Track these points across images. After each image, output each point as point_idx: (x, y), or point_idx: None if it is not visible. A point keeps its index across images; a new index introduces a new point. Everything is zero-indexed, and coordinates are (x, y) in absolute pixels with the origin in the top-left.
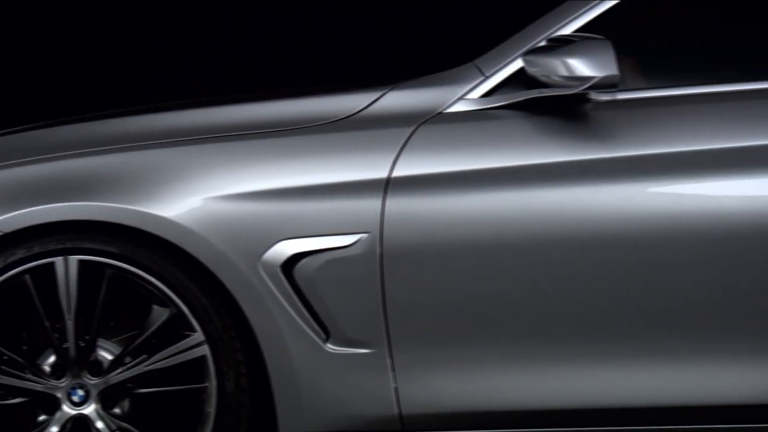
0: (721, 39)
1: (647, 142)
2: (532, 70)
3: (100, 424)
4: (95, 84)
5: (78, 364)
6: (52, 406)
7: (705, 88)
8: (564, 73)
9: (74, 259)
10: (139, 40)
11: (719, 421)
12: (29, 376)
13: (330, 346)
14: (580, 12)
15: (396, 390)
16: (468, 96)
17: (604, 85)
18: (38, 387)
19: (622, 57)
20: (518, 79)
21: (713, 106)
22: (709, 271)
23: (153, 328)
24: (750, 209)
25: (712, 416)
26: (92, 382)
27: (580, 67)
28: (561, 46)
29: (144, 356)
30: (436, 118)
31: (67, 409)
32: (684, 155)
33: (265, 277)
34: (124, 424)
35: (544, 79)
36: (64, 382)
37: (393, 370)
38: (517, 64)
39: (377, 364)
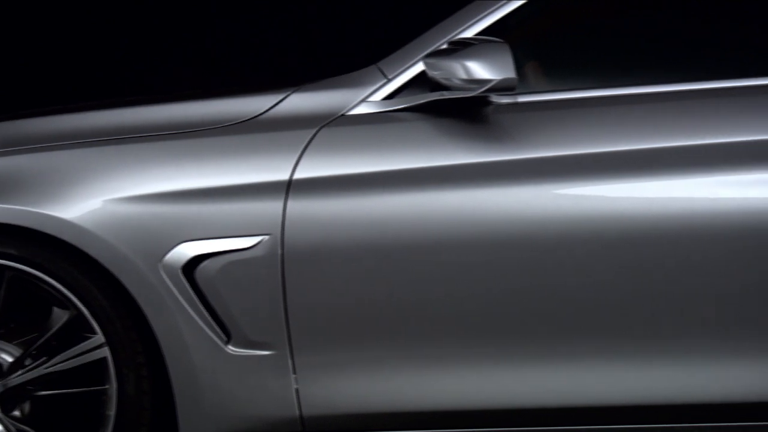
0: (621, 42)
1: (547, 145)
2: (432, 73)
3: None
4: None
5: None
6: None
7: (606, 91)
8: (463, 76)
9: None
10: (101, 35)
11: (617, 421)
12: None
13: (231, 348)
14: (482, 15)
15: (297, 391)
16: (370, 98)
17: (502, 88)
18: None
19: (525, 60)
20: (422, 82)
21: (614, 108)
22: (608, 272)
23: (53, 331)
24: (649, 211)
25: (608, 416)
26: None
27: (478, 70)
28: (461, 49)
29: (44, 358)
30: (338, 120)
31: None
32: (583, 158)
33: (166, 279)
34: (24, 427)
35: (444, 82)
36: None
37: (294, 371)
38: (420, 66)
39: (278, 366)
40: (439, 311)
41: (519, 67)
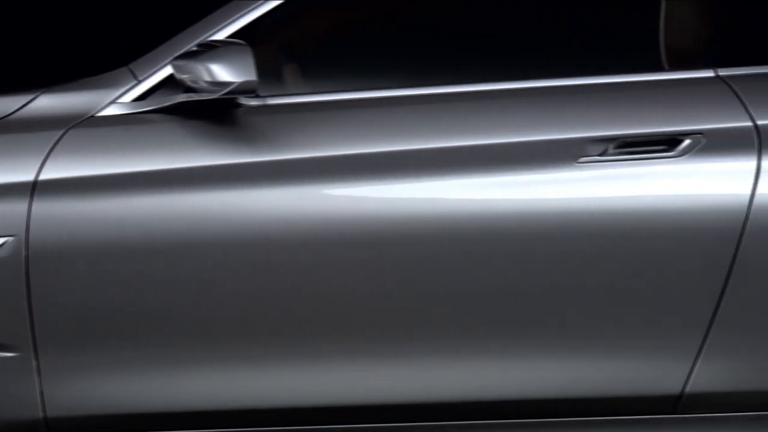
0: (377, 45)
1: (291, 146)
2: (180, 76)
3: None
4: None
5: None
6: None
7: (357, 94)
8: (207, 78)
9: None
10: None
11: (390, 420)
12: None
13: None
14: (235, 17)
15: (41, 394)
16: (120, 100)
17: (243, 90)
18: None
19: (283, 62)
20: (176, 83)
21: (364, 111)
22: (356, 273)
23: None
24: (394, 212)
25: (379, 415)
26: None
27: (221, 72)
28: (206, 51)
29: None
30: (87, 121)
31: None
32: (330, 159)
33: None
34: None
35: (191, 84)
36: None
37: (39, 373)
38: (170, 68)
39: (23, 368)
40: (187, 313)
41: (277, 69)
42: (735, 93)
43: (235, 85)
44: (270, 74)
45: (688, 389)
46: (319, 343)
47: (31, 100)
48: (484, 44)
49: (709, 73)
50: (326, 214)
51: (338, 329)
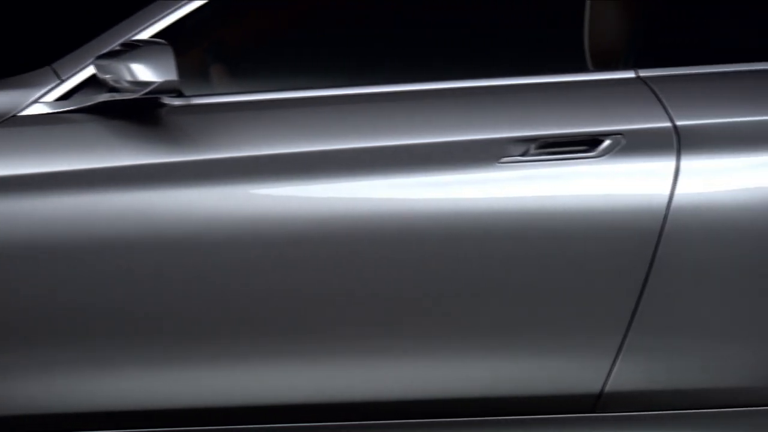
0: (300, 47)
1: (217, 146)
2: (103, 75)
3: None
4: None
5: None
6: None
7: (283, 94)
8: (128, 77)
9: None
10: None
11: (281, 420)
12: None
13: None
14: (159, 17)
15: None
16: (43, 99)
17: (164, 89)
18: None
19: (206, 61)
20: (100, 83)
21: (288, 111)
22: (279, 273)
23: None
24: (317, 212)
25: (275, 415)
26: None
27: (141, 71)
28: (128, 51)
29: None
30: (9, 121)
31: None
32: (253, 159)
33: None
34: None
35: (114, 83)
36: None
37: None
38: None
39: None
40: (107, 312)
41: (204, 69)
42: (655, 94)
43: (155, 84)
44: (197, 74)
45: (607, 388)
46: (231, 343)
47: None
48: (407, 45)
49: (630, 74)
50: (249, 213)
51: (257, 329)
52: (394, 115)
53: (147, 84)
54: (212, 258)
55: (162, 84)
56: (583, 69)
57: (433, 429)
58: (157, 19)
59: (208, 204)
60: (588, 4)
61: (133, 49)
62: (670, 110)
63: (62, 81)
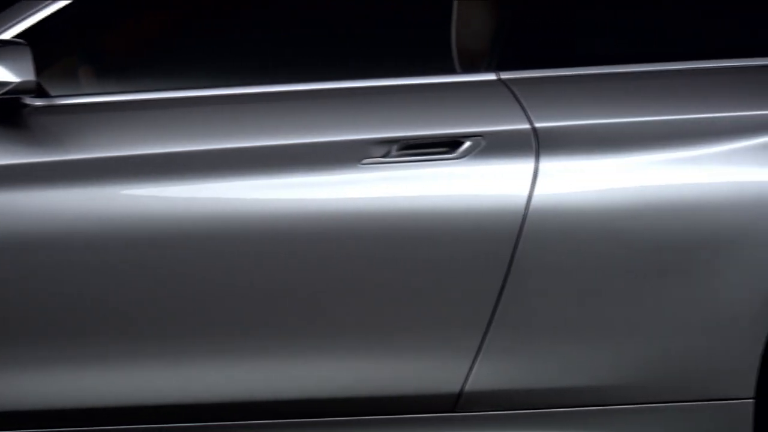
0: (168, 48)
1: (80, 147)
2: None
3: None
4: None
5: None
6: None
7: (148, 95)
8: None
9: None
10: None
11: (188, 419)
12: None
13: None
14: (22, 17)
15: None
16: None
17: (22, 90)
18: None
19: (75, 62)
20: None
21: (153, 112)
22: (144, 273)
23: None
24: (180, 213)
25: (181, 414)
26: None
27: None
28: None
29: None
30: None
31: None
32: (116, 160)
33: None
34: None
35: None
36: None
37: None
38: None
39: None
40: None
41: (72, 69)
42: (515, 96)
43: (12, 85)
44: (65, 76)
45: (467, 388)
46: (102, 344)
47: None
48: (270, 47)
49: (491, 77)
50: (111, 214)
51: (123, 330)
52: (257, 117)
53: (4, 84)
54: (75, 259)
55: (19, 84)
56: (450, 71)
57: (294, 429)
58: (20, 18)
59: (69, 204)
60: (455, 6)
61: None
62: (529, 112)
63: None
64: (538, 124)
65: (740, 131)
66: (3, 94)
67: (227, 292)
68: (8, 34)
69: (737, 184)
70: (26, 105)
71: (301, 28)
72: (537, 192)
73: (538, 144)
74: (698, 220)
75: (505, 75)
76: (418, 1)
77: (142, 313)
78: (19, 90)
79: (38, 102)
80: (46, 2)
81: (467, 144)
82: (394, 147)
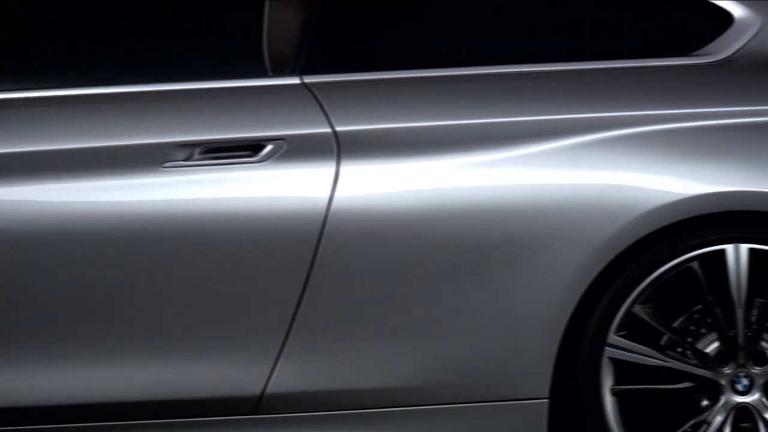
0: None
1: None
2: None
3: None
4: None
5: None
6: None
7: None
8: None
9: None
10: None
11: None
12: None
13: None
14: None
15: None
16: None
17: None
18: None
19: None
20: None
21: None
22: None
23: None
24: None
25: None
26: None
27: None
28: None
29: None
30: None
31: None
32: None
33: None
34: None
35: None
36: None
37: None
38: None
39: None
40: None
41: None
42: (317, 100)
43: None
44: None
45: (268, 390)
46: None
47: None
48: (75, 49)
49: (295, 80)
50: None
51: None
52: (60, 120)
53: None
54: None
55: None
56: (262, 75)
57: None
58: None
59: None
60: (266, 9)
61: None
62: (330, 116)
63: None
64: (338, 128)
65: (537, 135)
66: None
67: (26, 295)
68: None
69: (533, 187)
70: None
71: (104, 30)
72: (337, 195)
73: (339, 147)
74: (494, 223)
75: (309, 79)
76: (228, 4)
77: None
78: None
79: None
80: None
81: (269, 147)
82: (197, 150)
